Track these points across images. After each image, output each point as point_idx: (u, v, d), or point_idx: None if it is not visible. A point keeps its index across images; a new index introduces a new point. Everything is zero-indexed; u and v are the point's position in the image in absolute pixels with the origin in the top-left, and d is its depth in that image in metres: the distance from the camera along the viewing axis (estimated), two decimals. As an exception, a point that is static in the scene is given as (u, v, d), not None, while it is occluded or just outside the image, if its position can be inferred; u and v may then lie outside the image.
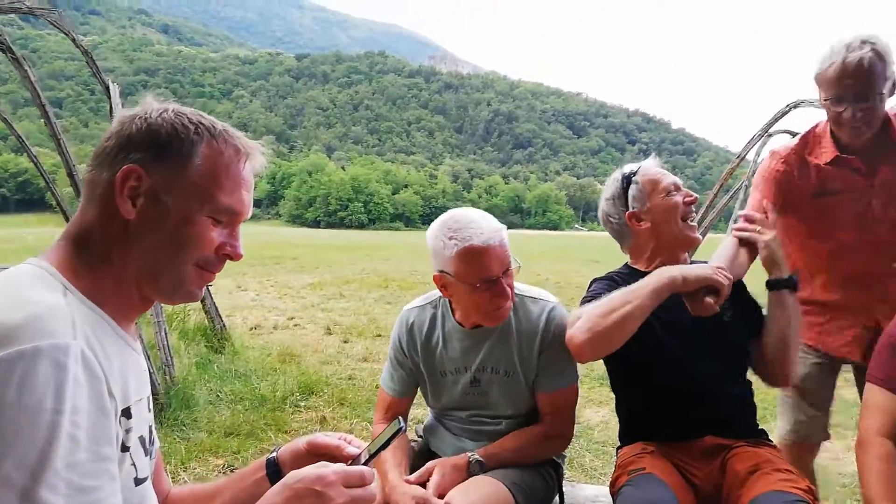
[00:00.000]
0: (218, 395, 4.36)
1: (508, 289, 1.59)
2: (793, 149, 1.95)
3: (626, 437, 1.78)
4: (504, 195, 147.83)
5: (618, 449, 1.79)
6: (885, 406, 1.47)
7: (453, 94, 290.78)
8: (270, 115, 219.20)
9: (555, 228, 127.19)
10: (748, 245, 1.78)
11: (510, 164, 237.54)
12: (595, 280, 1.78)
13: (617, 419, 1.87)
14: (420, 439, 1.96)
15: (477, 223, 1.55)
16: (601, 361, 1.70)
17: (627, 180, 1.74)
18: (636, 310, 1.48)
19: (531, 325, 1.69)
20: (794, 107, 9.32)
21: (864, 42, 1.70)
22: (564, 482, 1.87)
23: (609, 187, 1.79)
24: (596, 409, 4.45)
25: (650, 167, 1.75)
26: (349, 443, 1.08)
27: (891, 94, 1.75)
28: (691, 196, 1.72)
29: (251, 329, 7.43)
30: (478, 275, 1.53)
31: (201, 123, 0.92)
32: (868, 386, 1.53)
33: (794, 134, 10.07)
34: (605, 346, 1.51)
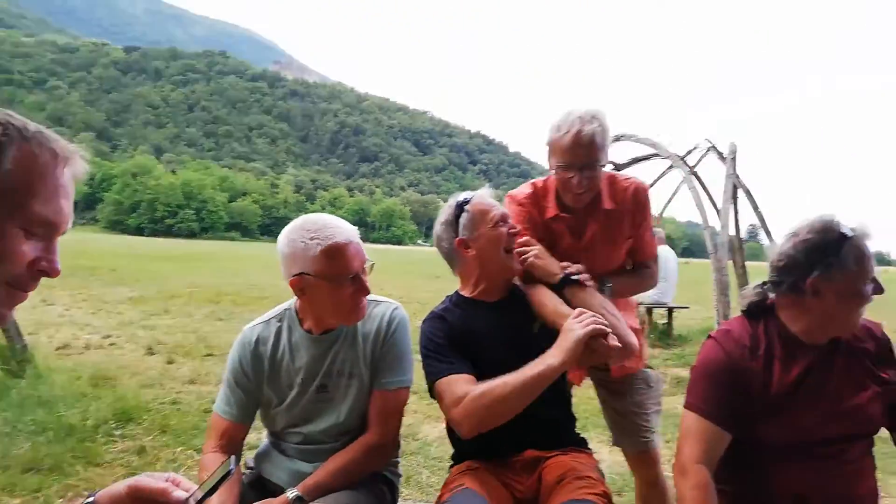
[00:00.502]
0: (15, 426, 3.82)
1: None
2: (526, 196, 2.15)
3: (456, 456, 1.85)
4: (349, 208, 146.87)
5: (451, 467, 1.83)
6: (702, 434, 1.52)
7: (299, 101, 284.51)
8: (91, 110, 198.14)
9: (399, 243, 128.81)
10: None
11: (356, 177, 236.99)
12: (427, 321, 1.82)
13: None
14: (250, 470, 1.85)
15: (335, 223, 1.63)
16: None
17: (460, 208, 1.82)
18: (521, 403, 1.54)
19: (375, 325, 1.76)
20: (616, 140, 10.32)
21: (593, 117, 1.91)
22: (400, 500, 1.88)
23: (444, 212, 1.87)
24: (434, 425, 4.51)
25: (483, 197, 1.84)
26: (177, 485, 0.98)
27: (604, 165, 2.00)
28: (515, 228, 1.84)
29: (58, 349, 6.65)
30: (343, 271, 1.59)
31: (10, 124, 0.82)
32: (686, 413, 1.58)
33: (616, 164, 11.11)
34: (488, 427, 1.57)
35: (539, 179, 2.18)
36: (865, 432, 1.53)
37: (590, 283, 1.84)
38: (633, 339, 1.78)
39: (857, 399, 1.52)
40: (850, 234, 1.48)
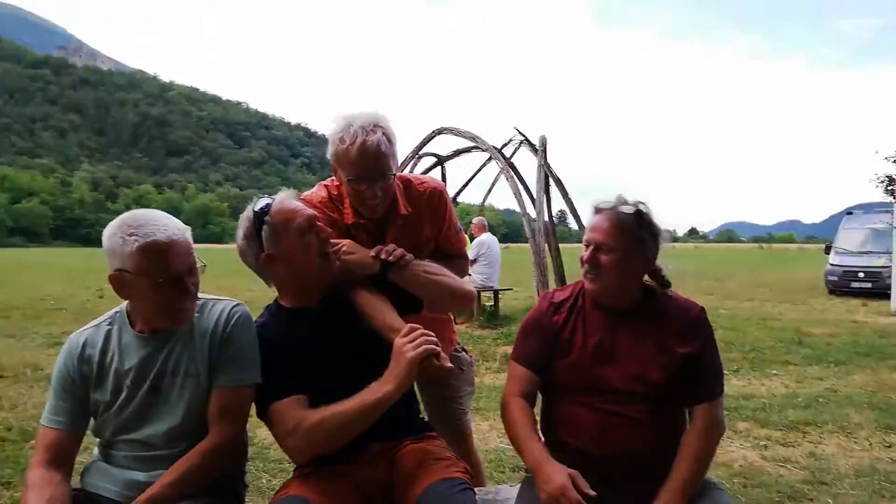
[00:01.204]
0: None
1: (193, 287, 1.58)
2: (321, 200, 2.06)
3: None
4: (158, 206, 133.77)
5: (294, 470, 1.77)
6: (517, 376, 1.85)
7: (92, 91, 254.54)
8: None
9: (218, 241, 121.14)
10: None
11: (164, 172, 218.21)
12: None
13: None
14: (77, 491, 1.67)
15: (160, 219, 1.54)
16: None
17: (260, 220, 1.69)
18: (360, 430, 1.58)
19: (213, 322, 1.66)
20: (438, 133, 10.71)
21: (375, 125, 1.83)
22: (242, 509, 1.79)
23: (242, 224, 1.73)
24: (274, 428, 4.37)
25: (283, 203, 1.72)
26: None
27: (394, 173, 1.97)
28: (325, 231, 1.75)
29: None
30: (161, 271, 1.51)
31: None
32: (511, 363, 1.90)
33: (439, 157, 11.49)
34: (323, 454, 1.60)
35: (332, 182, 2.06)
36: (644, 392, 1.70)
37: (408, 256, 1.84)
38: (470, 287, 2.01)
39: (644, 363, 1.71)
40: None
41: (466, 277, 2.31)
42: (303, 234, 1.69)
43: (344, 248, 1.83)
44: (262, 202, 1.72)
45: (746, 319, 10.05)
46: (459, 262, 2.25)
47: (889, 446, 3.97)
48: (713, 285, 17.86)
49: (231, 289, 14.84)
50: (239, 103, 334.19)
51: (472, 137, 10.16)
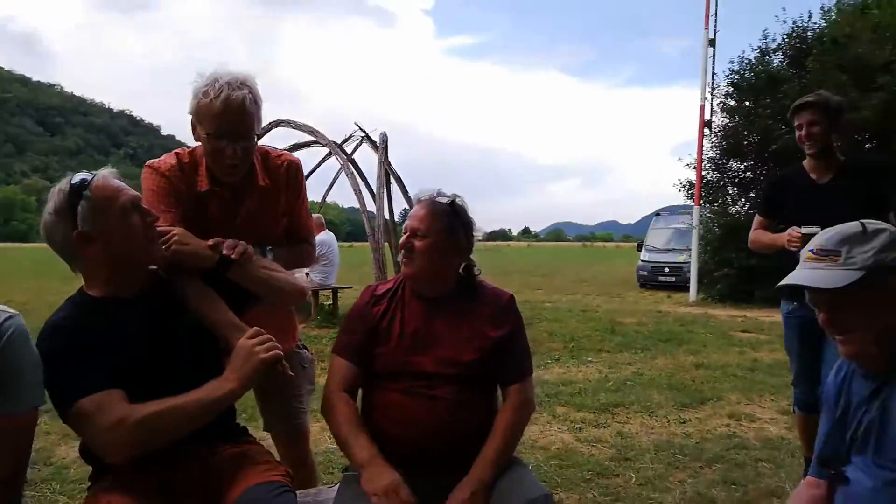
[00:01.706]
0: None
1: None
2: (170, 168, 1.95)
3: (95, 474, 1.62)
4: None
5: (88, 488, 1.61)
6: (339, 369, 1.85)
7: None
8: None
9: (23, 240, 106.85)
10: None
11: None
12: (44, 338, 1.49)
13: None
14: None
15: None
16: None
17: (77, 193, 1.51)
18: (195, 427, 1.49)
19: None
20: (276, 125, 10.31)
21: (242, 83, 1.79)
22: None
23: (53, 198, 1.53)
24: (72, 445, 3.90)
25: (106, 179, 1.56)
26: None
27: (258, 136, 1.93)
28: (151, 214, 1.61)
29: None
30: None
31: None
32: (332, 357, 1.89)
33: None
34: (146, 451, 1.46)
35: (183, 150, 1.98)
36: (457, 374, 1.78)
37: (250, 250, 1.76)
38: (302, 284, 2.01)
39: (458, 347, 1.80)
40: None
41: (300, 274, 2.27)
42: (126, 214, 1.54)
43: (176, 238, 1.68)
44: (80, 176, 1.55)
45: (569, 311, 10.84)
46: (306, 249, 2.21)
47: (683, 422, 4.46)
48: (542, 281, 19.10)
49: (37, 291, 13.21)
50: (52, 85, 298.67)
51: (312, 131, 9.91)
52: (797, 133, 2.93)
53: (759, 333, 8.58)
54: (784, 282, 1.41)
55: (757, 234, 3.17)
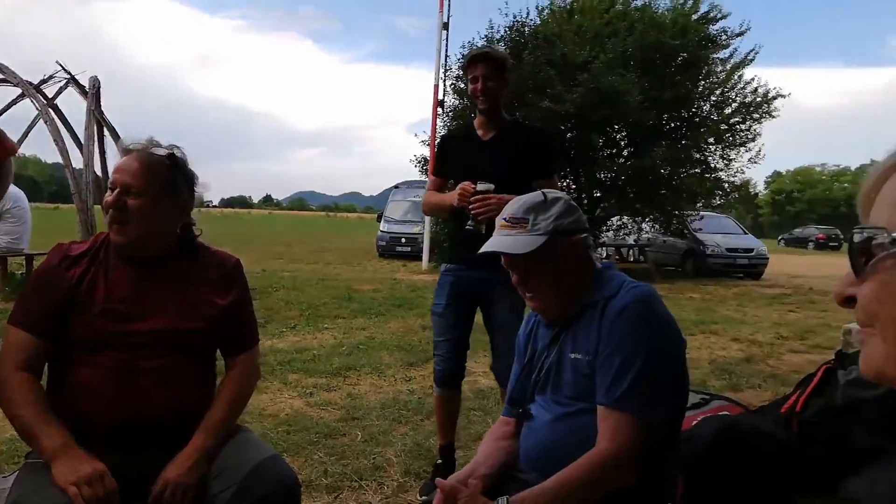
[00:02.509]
0: None
1: None
2: None
3: None
4: None
5: None
6: (20, 344, 1.56)
7: None
8: None
9: None
10: None
11: None
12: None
13: None
14: None
15: None
16: None
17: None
18: None
19: None
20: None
21: None
22: None
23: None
24: None
25: None
26: None
27: None
28: None
29: None
30: None
31: None
32: (9, 330, 1.59)
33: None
34: None
35: None
36: (179, 343, 1.60)
37: None
38: None
39: (180, 315, 1.62)
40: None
41: None
42: None
43: None
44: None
45: (307, 280, 10.76)
46: None
47: (409, 380, 4.72)
48: (283, 250, 18.67)
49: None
50: None
51: (-4, 66, 8.17)
52: (471, 86, 2.80)
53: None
54: (482, 249, 1.55)
55: (427, 196, 2.98)
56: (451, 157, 2.94)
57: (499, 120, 2.84)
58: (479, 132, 2.86)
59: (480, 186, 2.55)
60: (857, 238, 0.55)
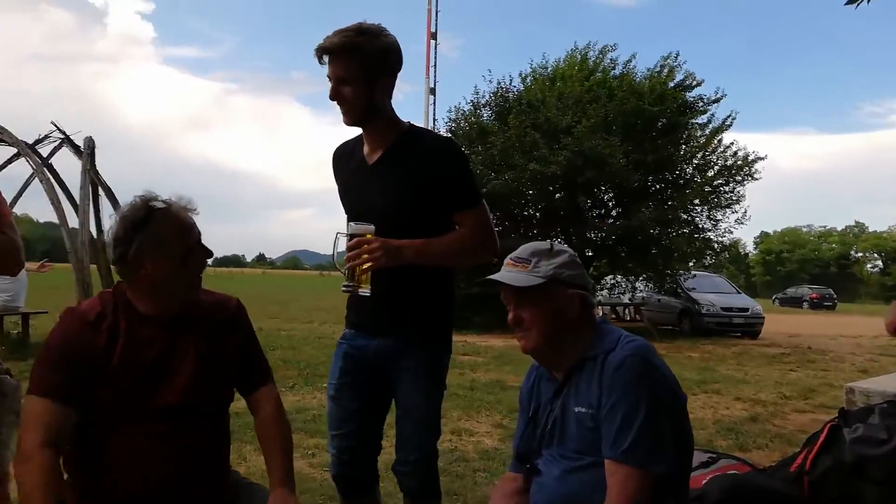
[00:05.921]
0: None
1: None
2: None
3: None
4: None
5: None
6: (44, 416, 1.45)
7: None
8: None
9: None
10: None
11: None
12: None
13: None
14: None
15: None
16: None
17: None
18: None
19: None
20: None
21: None
22: None
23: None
24: None
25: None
26: None
27: None
28: None
29: None
30: None
31: None
32: (27, 399, 1.49)
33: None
34: None
35: None
36: (202, 403, 1.58)
37: None
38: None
39: (201, 373, 1.59)
40: (160, 206, 1.56)
41: None
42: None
43: None
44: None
45: (304, 339, 10.69)
46: (9, 238, 1.76)
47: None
48: (278, 309, 18.57)
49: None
50: None
51: (-5, 127, 8.30)
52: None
53: (477, 356, 9.47)
54: (489, 277, 1.63)
55: None
56: (339, 184, 2.18)
57: (385, 132, 1.99)
58: (366, 150, 2.03)
59: (353, 228, 1.87)
60: None
